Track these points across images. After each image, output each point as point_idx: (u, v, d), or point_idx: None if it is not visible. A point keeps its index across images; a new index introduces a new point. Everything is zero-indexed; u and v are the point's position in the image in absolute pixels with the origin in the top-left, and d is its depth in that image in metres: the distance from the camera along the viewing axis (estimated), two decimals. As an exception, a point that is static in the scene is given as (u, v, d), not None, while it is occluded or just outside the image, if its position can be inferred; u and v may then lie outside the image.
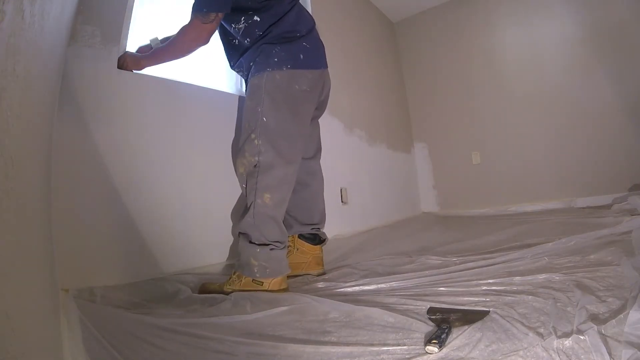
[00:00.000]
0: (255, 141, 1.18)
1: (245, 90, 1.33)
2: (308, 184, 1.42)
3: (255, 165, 1.18)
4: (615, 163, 2.67)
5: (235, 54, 1.32)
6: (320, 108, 1.41)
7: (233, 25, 1.26)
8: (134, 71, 1.29)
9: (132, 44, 1.38)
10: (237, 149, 1.26)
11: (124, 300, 1.06)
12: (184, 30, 1.23)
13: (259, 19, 1.22)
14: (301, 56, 1.23)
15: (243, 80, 1.33)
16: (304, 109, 1.27)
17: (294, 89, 1.21)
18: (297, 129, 1.24)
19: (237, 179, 1.30)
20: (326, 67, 1.33)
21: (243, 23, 1.23)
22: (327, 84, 1.36)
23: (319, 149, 1.48)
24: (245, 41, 1.26)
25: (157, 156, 1.35)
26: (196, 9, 1.18)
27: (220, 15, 1.19)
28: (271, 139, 1.18)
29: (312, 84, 1.25)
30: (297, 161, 1.26)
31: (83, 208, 1.12)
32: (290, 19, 1.25)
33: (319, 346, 0.70)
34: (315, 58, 1.28)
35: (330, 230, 1.95)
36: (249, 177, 1.19)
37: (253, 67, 1.23)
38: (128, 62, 1.27)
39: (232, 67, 1.38)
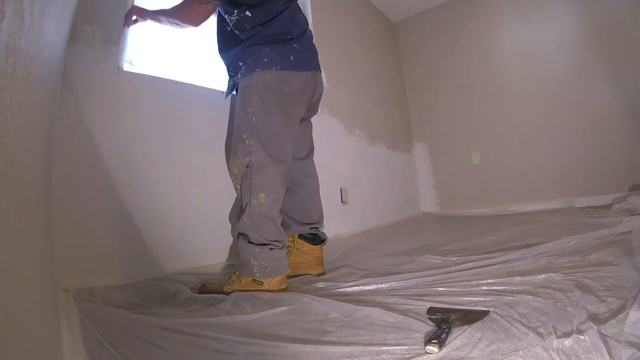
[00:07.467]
0: (247, 141, 1.18)
1: (227, 86, 1.36)
2: (303, 184, 1.42)
3: (247, 166, 1.18)
4: (615, 163, 2.67)
5: (224, 40, 1.33)
6: (312, 109, 1.41)
7: (227, 16, 1.27)
8: (136, 18, 1.35)
9: (132, 44, 1.38)
10: (230, 150, 1.26)
11: (124, 300, 1.06)
12: (181, 5, 1.31)
13: (250, 15, 1.23)
14: (291, 58, 1.23)
15: (229, 76, 1.35)
16: (293, 110, 1.27)
17: (284, 90, 1.22)
18: (286, 130, 1.24)
19: (235, 179, 1.30)
20: (318, 69, 1.34)
21: (235, 15, 1.24)
22: (319, 86, 1.36)
23: (311, 149, 1.48)
24: (236, 32, 1.27)
25: (156, 156, 1.35)
26: None
27: (216, 2, 1.24)
28: (261, 139, 1.18)
29: (302, 86, 1.26)
30: (288, 161, 1.26)
31: (83, 208, 1.12)
32: (282, 20, 1.25)
33: (319, 346, 0.70)
34: (306, 60, 1.29)
35: (330, 230, 1.95)
36: (243, 178, 1.19)
37: (243, 67, 1.24)
38: (133, 10, 1.35)
39: (219, 51, 1.37)
